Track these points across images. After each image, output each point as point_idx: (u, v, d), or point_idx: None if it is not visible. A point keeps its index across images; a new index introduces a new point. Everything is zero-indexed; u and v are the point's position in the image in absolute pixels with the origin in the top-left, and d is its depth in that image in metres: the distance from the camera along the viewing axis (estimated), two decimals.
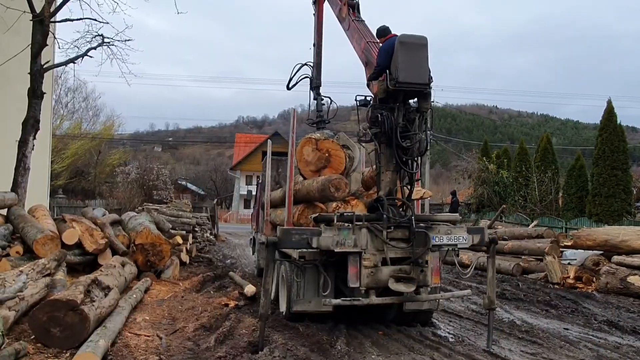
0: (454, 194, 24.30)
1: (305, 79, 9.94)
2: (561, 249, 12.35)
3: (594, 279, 10.33)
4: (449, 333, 6.51)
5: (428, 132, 6.34)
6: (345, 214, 5.97)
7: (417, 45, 6.00)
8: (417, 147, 6.14)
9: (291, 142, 6.42)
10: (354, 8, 7.66)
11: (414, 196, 6.48)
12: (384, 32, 6.50)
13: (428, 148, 6.39)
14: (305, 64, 9.96)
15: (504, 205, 21.30)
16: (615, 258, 10.41)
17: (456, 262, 7.18)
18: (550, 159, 26.00)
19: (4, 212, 9.39)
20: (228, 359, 4.93)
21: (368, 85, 6.60)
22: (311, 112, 9.82)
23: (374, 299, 5.70)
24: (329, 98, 9.78)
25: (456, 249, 6.34)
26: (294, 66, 9.88)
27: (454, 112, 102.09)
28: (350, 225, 5.74)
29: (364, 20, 7.54)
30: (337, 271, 6.11)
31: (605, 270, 10.09)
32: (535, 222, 18.98)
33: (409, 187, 6.33)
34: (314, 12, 9.95)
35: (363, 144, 6.75)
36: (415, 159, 6.24)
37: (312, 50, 10.06)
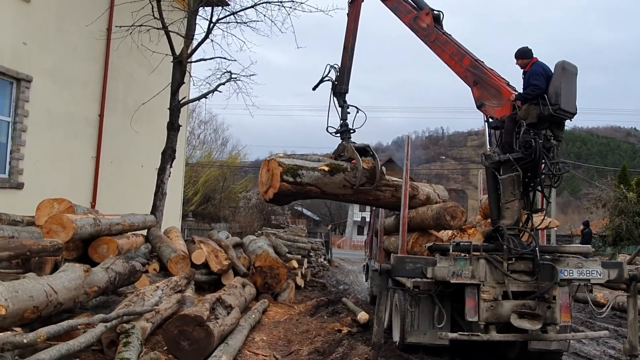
0: (586, 224, 22.12)
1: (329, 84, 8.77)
2: None
3: None
4: None
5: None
6: (461, 243, 5.76)
7: (573, 74, 5.90)
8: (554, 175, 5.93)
9: (405, 169, 6.40)
10: (437, 20, 7.20)
11: (539, 226, 6.09)
12: (528, 53, 6.22)
13: (562, 177, 6.08)
14: (333, 67, 8.87)
15: None
16: None
17: (589, 300, 6.52)
18: None
19: (145, 232, 10.50)
20: None
21: (480, 107, 6.35)
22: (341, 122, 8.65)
23: (495, 335, 5.38)
24: (356, 107, 8.63)
25: (589, 284, 5.78)
26: (325, 66, 8.89)
27: (584, 135, 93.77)
28: (467, 255, 5.52)
29: (450, 35, 7.08)
30: (453, 303, 5.88)
31: None
32: None
33: (532, 215, 5.97)
34: (347, 12, 8.92)
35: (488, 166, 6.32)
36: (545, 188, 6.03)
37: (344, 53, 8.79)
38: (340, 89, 8.67)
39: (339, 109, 8.64)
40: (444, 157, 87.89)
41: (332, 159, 8.02)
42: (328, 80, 8.79)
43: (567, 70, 5.82)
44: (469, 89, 6.56)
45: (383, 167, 7.81)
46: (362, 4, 8.71)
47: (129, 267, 6.61)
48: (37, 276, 4.86)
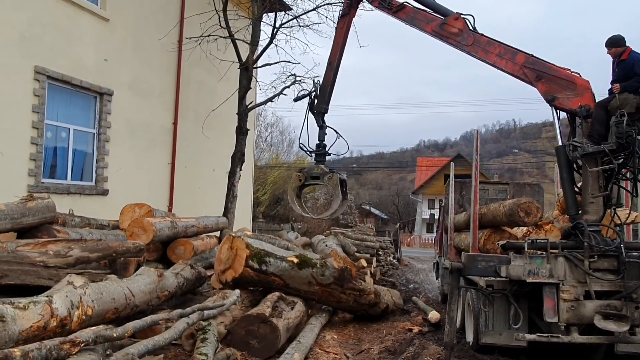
0: None
1: (308, 99, 8.27)
2: None
3: None
4: None
5: None
6: (537, 240, 5.51)
7: None
8: None
9: (475, 164, 6.23)
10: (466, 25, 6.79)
11: (624, 220, 5.73)
12: (622, 42, 5.91)
13: None
14: (318, 82, 8.22)
15: None
16: None
17: None
18: None
19: (218, 234, 10.92)
20: None
21: (551, 101, 6.05)
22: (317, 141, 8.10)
23: (577, 337, 5.11)
24: (335, 130, 8.01)
25: None
26: (313, 81, 8.48)
27: None
28: (544, 253, 5.28)
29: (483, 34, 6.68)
30: (530, 302, 5.65)
31: None
32: None
33: (616, 210, 5.63)
34: (336, 24, 8.30)
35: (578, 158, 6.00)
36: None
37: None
38: (319, 108, 8.06)
39: (318, 129, 8.09)
40: (516, 150, 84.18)
41: (300, 176, 7.78)
42: (305, 93, 8.36)
43: None
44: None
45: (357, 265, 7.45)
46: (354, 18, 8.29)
47: (195, 273, 6.91)
48: (118, 278, 5.19)
